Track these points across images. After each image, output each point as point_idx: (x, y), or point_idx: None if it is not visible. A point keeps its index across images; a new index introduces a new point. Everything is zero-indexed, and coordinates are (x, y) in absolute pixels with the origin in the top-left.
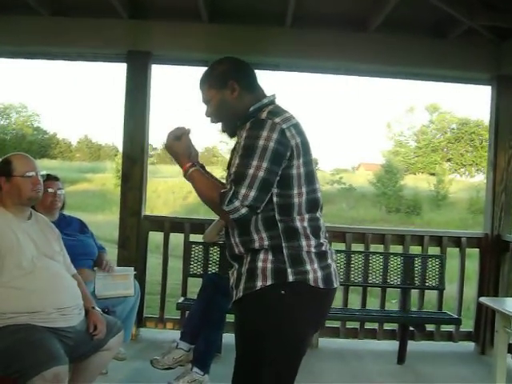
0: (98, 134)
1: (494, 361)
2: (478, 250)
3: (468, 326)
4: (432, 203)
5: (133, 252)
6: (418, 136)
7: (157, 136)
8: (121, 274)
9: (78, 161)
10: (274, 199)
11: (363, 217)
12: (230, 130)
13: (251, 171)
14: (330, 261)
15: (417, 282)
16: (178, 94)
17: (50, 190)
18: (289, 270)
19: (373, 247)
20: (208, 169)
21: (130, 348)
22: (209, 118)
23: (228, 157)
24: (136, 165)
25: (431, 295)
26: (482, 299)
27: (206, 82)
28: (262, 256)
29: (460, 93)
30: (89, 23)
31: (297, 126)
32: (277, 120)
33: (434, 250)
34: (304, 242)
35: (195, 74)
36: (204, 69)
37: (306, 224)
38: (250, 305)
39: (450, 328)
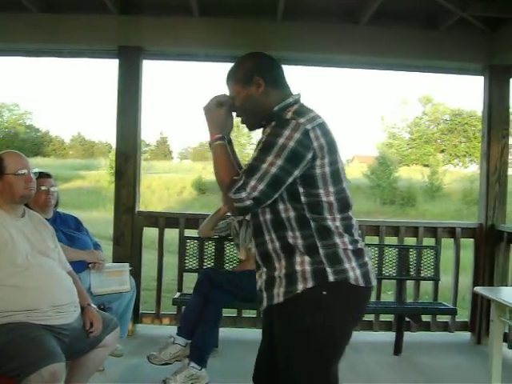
0: (91, 131)
1: (489, 350)
2: (472, 240)
3: (464, 316)
4: (426, 194)
5: (128, 248)
6: (411, 128)
7: (150, 132)
8: (116, 270)
9: (72, 158)
10: (302, 198)
11: (358, 209)
12: (251, 124)
13: (264, 166)
14: (366, 258)
15: (412, 273)
16: (173, 88)
17: (42, 187)
18: (328, 270)
19: (368, 239)
20: (202, 164)
21: (126, 344)
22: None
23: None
24: (129, 161)
25: (426, 286)
26: (478, 289)
27: (231, 77)
28: (298, 259)
29: (453, 84)
30: (79, 19)
31: (322, 126)
32: (301, 120)
33: (428, 241)
34: (338, 240)
35: (188, 68)
36: (196, 63)
37: (338, 223)
38: (292, 308)
39: (446, 318)
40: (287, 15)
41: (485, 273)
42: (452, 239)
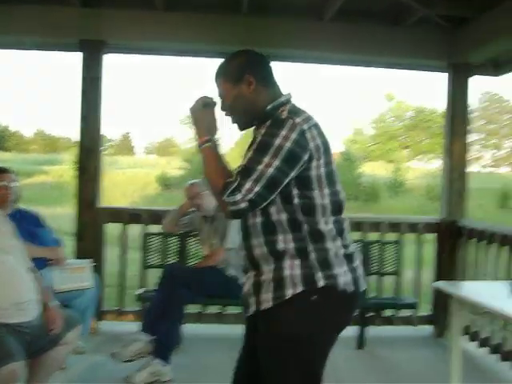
0: (54, 126)
1: (450, 343)
2: (434, 235)
3: (426, 309)
4: (390, 190)
5: (90, 244)
6: (376, 124)
7: (114, 127)
8: (78, 266)
9: (34, 153)
10: (295, 200)
11: None
12: (242, 124)
13: (261, 167)
14: (357, 262)
15: (375, 267)
16: (136, 83)
17: (1, 182)
18: (318, 275)
19: None
20: (167, 159)
21: (89, 341)
22: (224, 113)
23: (187, 147)
24: (91, 156)
25: (389, 280)
26: (438, 283)
27: (221, 75)
28: (288, 263)
29: (417, 81)
30: (37, 10)
31: (317, 127)
32: (298, 120)
33: (391, 237)
34: (331, 244)
35: (151, 62)
36: (160, 57)
37: (331, 226)
38: (280, 313)
39: (409, 312)
40: (252, 10)
41: (446, 267)
42: (414, 234)
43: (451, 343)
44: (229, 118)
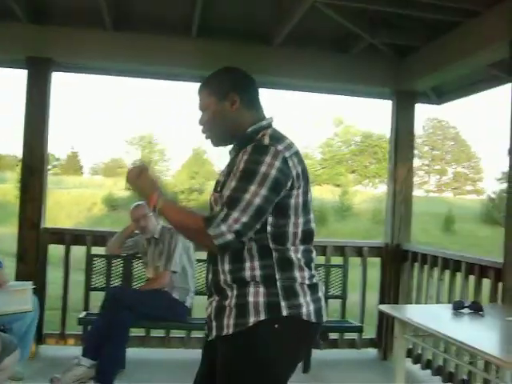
0: None
1: (393, 365)
2: (379, 259)
3: (371, 332)
4: (337, 214)
5: (32, 266)
6: (323, 148)
7: (60, 146)
8: (18, 288)
9: None
10: (268, 228)
11: None
12: (216, 141)
13: (248, 196)
14: (320, 294)
15: None
16: (85, 102)
17: None
18: (282, 304)
19: None
20: (113, 180)
21: (28, 367)
22: (201, 127)
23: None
24: (35, 175)
25: (335, 304)
26: (382, 307)
27: (206, 87)
28: (252, 290)
29: (364, 107)
30: None
31: (297, 154)
32: (280, 148)
33: (337, 260)
34: (298, 274)
35: (98, 82)
36: (107, 77)
37: (299, 255)
38: (241, 339)
39: (353, 335)
40: (201, 34)
41: (390, 291)
42: (359, 258)
43: (395, 366)
44: (202, 134)
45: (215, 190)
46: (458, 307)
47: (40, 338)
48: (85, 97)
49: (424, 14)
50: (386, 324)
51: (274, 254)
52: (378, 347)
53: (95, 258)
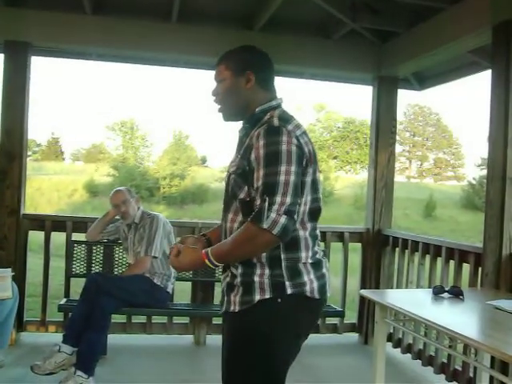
0: None
1: (374, 350)
2: (360, 244)
3: (353, 317)
4: None
5: (11, 252)
6: None
7: (41, 132)
8: None
9: None
10: None
11: None
12: (227, 116)
13: (282, 178)
14: (324, 270)
15: None
16: (67, 87)
17: None
18: (287, 284)
19: None
20: (94, 166)
21: (8, 354)
22: (213, 98)
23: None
24: (15, 161)
25: None
26: (363, 292)
27: (225, 61)
28: (258, 271)
29: (346, 92)
30: None
31: (306, 134)
32: (290, 128)
33: None
34: (303, 254)
35: (78, 67)
36: (87, 62)
37: (307, 234)
38: (244, 317)
39: (335, 320)
40: (181, 19)
41: (371, 276)
42: (341, 243)
43: (375, 350)
44: (215, 106)
45: (228, 170)
46: (438, 292)
47: (21, 325)
48: (65, 82)
49: (406, 0)
50: (367, 309)
51: None
52: (359, 332)
53: (76, 245)
